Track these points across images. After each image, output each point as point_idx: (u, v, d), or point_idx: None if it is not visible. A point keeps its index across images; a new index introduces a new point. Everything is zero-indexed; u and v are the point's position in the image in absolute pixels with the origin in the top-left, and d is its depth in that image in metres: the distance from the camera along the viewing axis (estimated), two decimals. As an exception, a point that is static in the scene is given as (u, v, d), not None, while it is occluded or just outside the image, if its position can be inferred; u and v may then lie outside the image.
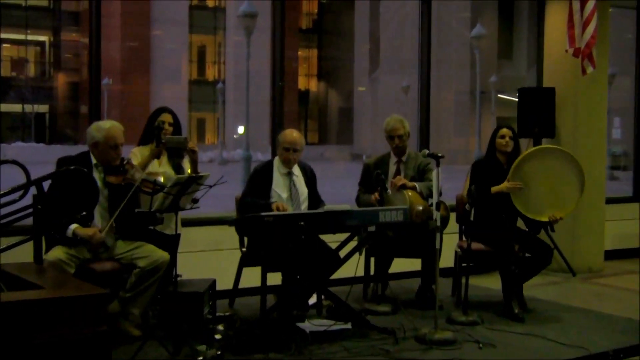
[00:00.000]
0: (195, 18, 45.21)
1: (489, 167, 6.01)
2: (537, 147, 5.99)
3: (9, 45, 43.83)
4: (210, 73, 47.86)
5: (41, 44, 44.67)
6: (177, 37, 43.35)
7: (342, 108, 50.25)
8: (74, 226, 4.69)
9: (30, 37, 43.60)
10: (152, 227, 5.14)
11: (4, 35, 42.61)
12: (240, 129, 40.70)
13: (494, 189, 5.81)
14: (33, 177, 4.28)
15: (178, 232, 5.02)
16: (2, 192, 4.09)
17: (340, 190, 10.23)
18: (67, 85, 42.62)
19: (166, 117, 5.43)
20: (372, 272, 6.18)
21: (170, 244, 5.12)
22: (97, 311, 2.83)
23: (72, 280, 3.87)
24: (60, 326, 2.72)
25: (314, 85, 52.89)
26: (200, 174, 4.76)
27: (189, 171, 5.34)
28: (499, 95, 34.77)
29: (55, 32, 43.88)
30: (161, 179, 4.94)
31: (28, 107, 42.81)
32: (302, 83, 51.48)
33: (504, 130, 6.06)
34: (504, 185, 5.79)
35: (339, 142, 49.05)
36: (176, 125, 5.46)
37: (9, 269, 3.46)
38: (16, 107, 43.10)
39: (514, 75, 35.10)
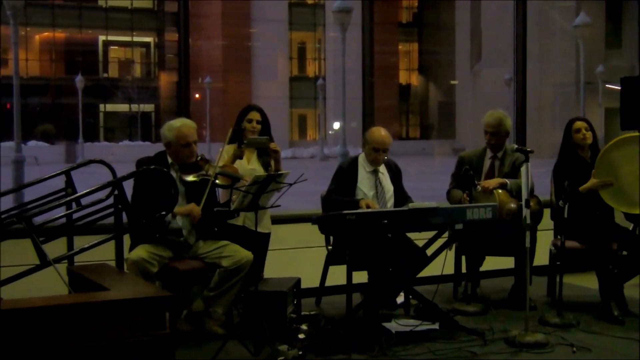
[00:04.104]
0: (295, 15, 45.62)
1: (572, 166, 5.70)
2: (618, 137, 5.64)
3: (116, 47, 45.33)
4: (311, 69, 48.17)
5: (146, 45, 45.97)
6: (277, 34, 43.86)
7: (443, 102, 49.65)
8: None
9: (135, 39, 44.94)
10: (242, 225, 5.16)
11: (110, 38, 44.12)
12: (336, 125, 40.79)
13: (583, 187, 5.51)
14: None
15: (260, 230, 5.00)
16: (84, 192, 4.17)
17: (440, 186, 10.05)
18: (171, 84, 43.67)
19: (254, 115, 5.40)
20: (463, 271, 6.01)
21: (259, 242, 5.11)
22: (160, 314, 2.80)
23: (138, 282, 3.88)
24: (120, 329, 2.70)
25: (415, 80, 52.47)
26: (279, 172, 4.71)
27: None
28: (607, 86, 33.53)
29: (159, 33, 45.08)
30: (235, 171, 4.92)
31: (134, 107, 44.13)
32: (402, 77, 51.16)
33: (578, 124, 5.77)
34: (592, 183, 5.49)
35: (440, 136, 48.53)
36: (264, 123, 5.42)
37: (78, 269, 3.49)
38: (123, 107, 44.52)
39: (623, 65, 33.79)
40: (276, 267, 5.60)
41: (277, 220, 5.96)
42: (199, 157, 4.88)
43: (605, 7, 37.20)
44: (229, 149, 5.28)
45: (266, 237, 5.43)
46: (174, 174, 4.89)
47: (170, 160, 4.94)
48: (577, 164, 5.69)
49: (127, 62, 45.48)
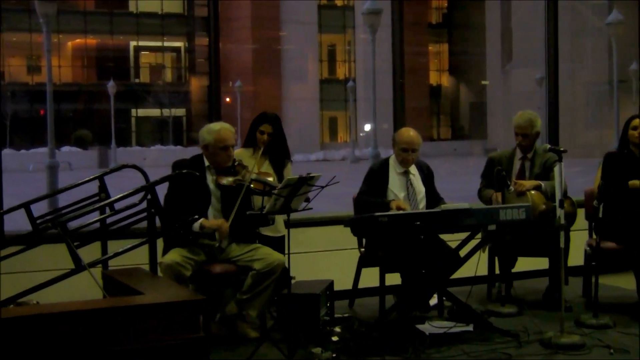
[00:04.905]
0: (324, 17, 45.70)
1: (622, 160, 5.67)
2: None
3: (147, 53, 45.69)
4: (341, 72, 48.18)
5: (177, 49, 46.25)
6: (306, 37, 43.93)
7: (474, 102, 49.42)
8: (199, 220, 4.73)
9: (166, 44, 45.25)
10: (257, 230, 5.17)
11: (141, 43, 44.48)
12: (367, 127, 40.77)
13: (632, 183, 5.46)
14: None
15: (272, 234, 5.02)
16: (117, 197, 4.21)
17: (472, 187, 9.98)
18: (202, 88, 43.91)
19: (266, 128, 5.29)
20: (497, 272, 5.97)
21: (275, 246, 5.11)
22: (194, 318, 2.81)
23: (172, 286, 3.91)
24: (154, 333, 2.72)
25: (445, 80, 52.30)
26: (311, 175, 4.70)
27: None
28: (641, 84, 33.10)
29: (189, 38, 45.35)
30: (271, 179, 4.94)
31: (166, 111, 44.43)
32: (433, 78, 51.01)
33: (637, 121, 5.71)
34: None
35: (472, 137, 48.29)
36: (276, 135, 5.34)
37: (112, 274, 3.52)
38: (155, 112, 44.85)
39: (658, 62, 33.36)
40: (309, 270, 5.60)
41: (309, 223, 5.97)
42: (237, 162, 4.89)
43: (638, 4, 36.75)
44: (245, 152, 5.32)
45: (281, 240, 5.38)
46: (210, 177, 4.91)
47: (207, 163, 4.96)
48: (627, 159, 5.66)
49: (158, 67, 45.83)
